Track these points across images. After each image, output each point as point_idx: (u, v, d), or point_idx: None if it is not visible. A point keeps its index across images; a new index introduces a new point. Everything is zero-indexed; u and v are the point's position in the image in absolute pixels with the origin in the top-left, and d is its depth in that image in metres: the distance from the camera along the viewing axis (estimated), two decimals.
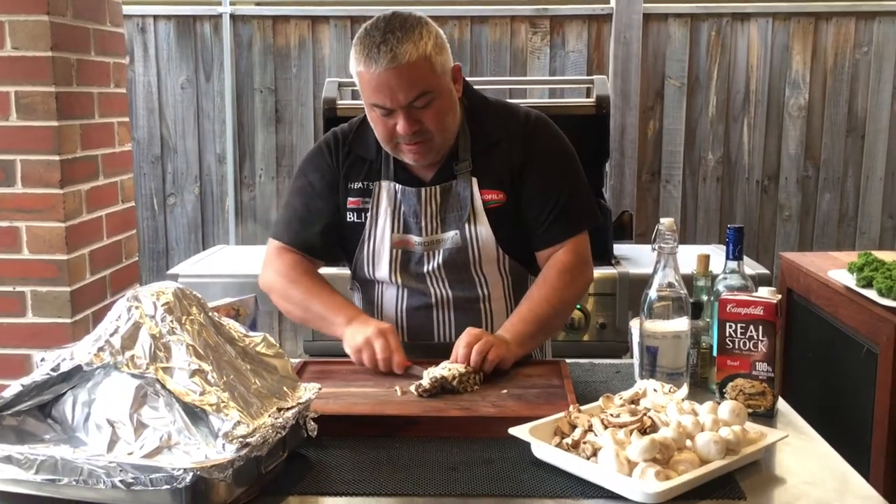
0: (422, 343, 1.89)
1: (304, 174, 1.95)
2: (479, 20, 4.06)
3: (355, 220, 1.90)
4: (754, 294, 1.56)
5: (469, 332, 1.70)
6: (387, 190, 1.87)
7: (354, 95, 3.38)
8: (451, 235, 1.86)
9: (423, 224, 1.86)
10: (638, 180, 4.10)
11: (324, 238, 1.93)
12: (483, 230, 1.85)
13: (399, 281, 1.89)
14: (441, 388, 1.57)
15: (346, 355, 1.98)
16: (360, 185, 1.89)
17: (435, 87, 1.73)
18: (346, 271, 2.04)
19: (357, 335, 1.74)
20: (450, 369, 1.60)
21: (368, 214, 1.88)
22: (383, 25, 1.71)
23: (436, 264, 1.87)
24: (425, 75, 1.71)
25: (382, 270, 1.89)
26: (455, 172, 1.85)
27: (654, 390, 1.46)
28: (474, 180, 1.85)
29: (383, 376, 1.69)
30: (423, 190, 1.86)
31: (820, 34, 4.02)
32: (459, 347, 1.67)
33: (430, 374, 1.59)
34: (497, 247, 1.86)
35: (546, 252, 1.88)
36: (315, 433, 1.35)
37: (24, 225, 2.50)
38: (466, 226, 1.84)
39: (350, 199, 1.90)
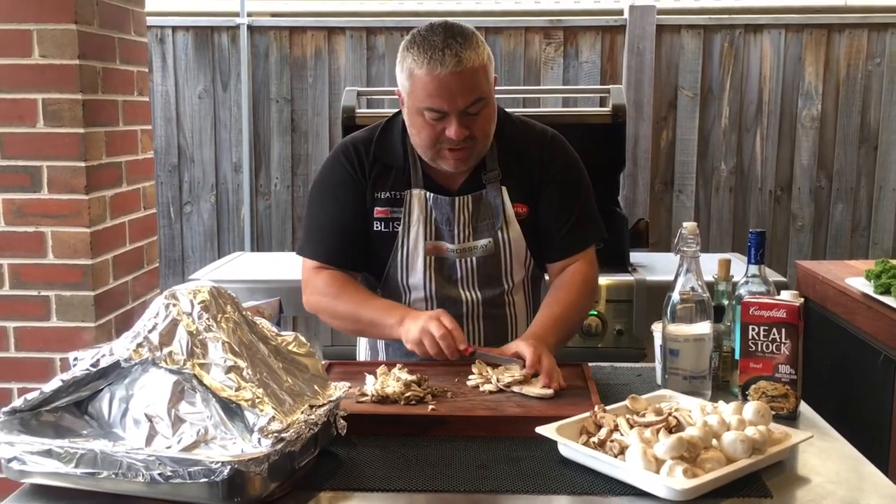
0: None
1: (326, 186, 1.93)
2: (494, 31, 4.10)
3: (382, 230, 1.89)
4: (777, 297, 1.58)
5: (531, 345, 1.66)
6: (418, 198, 1.88)
7: (371, 104, 3.41)
8: (483, 243, 1.88)
9: (455, 232, 1.88)
10: (651, 190, 4.12)
11: (356, 248, 1.91)
12: (515, 236, 1.89)
13: (433, 288, 1.89)
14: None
15: (367, 358, 2.01)
16: (388, 194, 1.88)
17: (487, 94, 1.77)
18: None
19: (412, 329, 1.71)
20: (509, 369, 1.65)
21: (401, 223, 1.87)
22: (441, 31, 1.73)
23: (469, 271, 1.89)
24: (482, 82, 1.75)
25: (417, 276, 1.88)
26: (484, 182, 1.88)
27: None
28: (504, 189, 1.89)
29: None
30: (457, 199, 1.88)
31: (833, 45, 4.05)
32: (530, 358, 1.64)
33: (497, 378, 1.63)
34: (527, 252, 1.90)
35: (561, 263, 1.93)
36: (345, 431, 1.37)
37: (49, 230, 2.53)
38: (500, 233, 1.88)
39: (378, 208, 1.88)
